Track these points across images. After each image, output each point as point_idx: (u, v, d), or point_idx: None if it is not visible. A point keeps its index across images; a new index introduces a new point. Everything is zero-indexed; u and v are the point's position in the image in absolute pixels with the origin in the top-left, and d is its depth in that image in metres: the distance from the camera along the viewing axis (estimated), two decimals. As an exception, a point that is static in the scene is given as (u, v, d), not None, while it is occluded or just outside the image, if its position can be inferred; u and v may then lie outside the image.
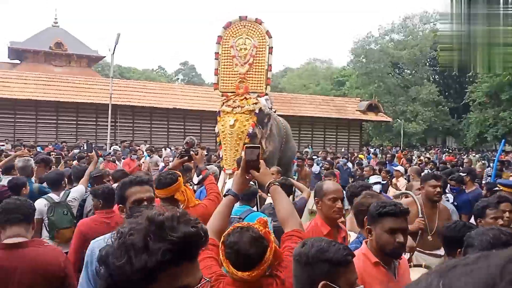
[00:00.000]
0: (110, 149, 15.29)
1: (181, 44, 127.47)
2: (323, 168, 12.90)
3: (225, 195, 2.45)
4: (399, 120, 39.16)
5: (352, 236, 3.53)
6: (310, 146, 25.09)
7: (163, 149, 16.64)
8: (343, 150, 25.16)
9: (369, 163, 14.69)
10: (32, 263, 2.60)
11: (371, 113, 28.27)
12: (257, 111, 8.47)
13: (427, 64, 45.60)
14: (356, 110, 27.99)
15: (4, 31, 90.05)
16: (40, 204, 4.66)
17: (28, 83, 21.94)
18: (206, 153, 15.07)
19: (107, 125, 18.23)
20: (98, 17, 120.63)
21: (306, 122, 26.86)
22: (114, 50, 16.79)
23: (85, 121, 22.82)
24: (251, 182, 7.81)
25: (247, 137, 8.31)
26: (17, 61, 40.09)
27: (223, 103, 8.75)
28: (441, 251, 3.66)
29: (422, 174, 6.99)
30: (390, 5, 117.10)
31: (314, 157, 15.53)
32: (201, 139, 24.21)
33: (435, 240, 4.03)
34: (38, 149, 14.99)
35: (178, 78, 74.41)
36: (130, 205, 2.49)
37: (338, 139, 28.38)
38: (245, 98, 8.60)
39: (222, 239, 1.97)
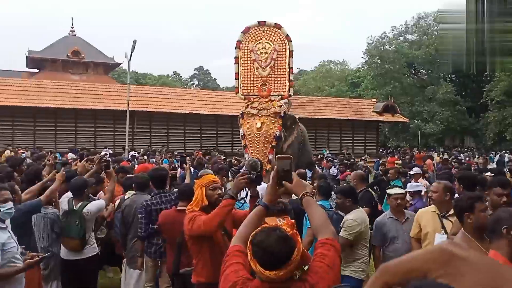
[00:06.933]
0: (128, 155, 15.49)
1: (195, 49, 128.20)
2: (339, 170, 12.86)
3: (255, 206, 2.48)
4: (415, 121, 38.82)
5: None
6: (325, 149, 25.00)
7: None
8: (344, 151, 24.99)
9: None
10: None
11: (388, 114, 28.07)
12: (282, 114, 8.54)
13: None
14: (372, 111, 27.83)
15: (22, 40, 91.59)
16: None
17: (46, 91, 22.29)
18: (224, 157, 15.15)
19: (125, 131, 18.43)
20: (112, 24, 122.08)
21: (321, 124, 26.78)
22: (130, 57, 16.99)
23: (103, 127, 23.10)
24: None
25: (274, 140, 8.36)
26: (36, 70, 40.76)
27: (248, 105, 8.80)
28: None
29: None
30: (402, 5, 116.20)
31: (330, 158, 15.50)
32: (217, 144, 24.33)
33: None
34: (57, 155, 15.19)
35: (193, 83, 74.87)
36: None
37: (354, 141, 28.23)
38: (270, 100, 8.67)
39: (250, 239, 2.00)
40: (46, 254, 4.03)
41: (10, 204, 3.62)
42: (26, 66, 41.75)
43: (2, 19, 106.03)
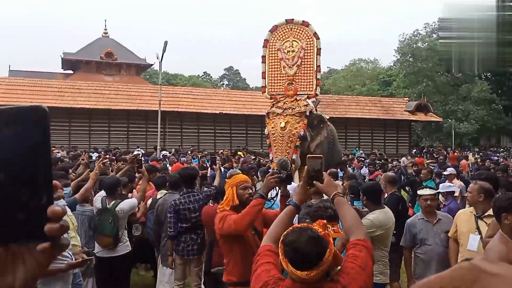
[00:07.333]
0: (159, 154, 15.71)
1: (225, 49, 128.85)
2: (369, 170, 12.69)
3: (286, 205, 2.48)
4: (449, 120, 37.92)
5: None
6: (356, 149, 24.73)
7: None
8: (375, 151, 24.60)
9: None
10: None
11: (420, 113, 27.54)
12: (307, 113, 8.46)
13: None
14: (405, 111, 27.35)
15: (57, 43, 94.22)
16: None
17: (81, 92, 22.86)
18: (254, 157, 15.19)
19: (156, 131, 18.69)
20: (144, 25, 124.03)
21: (352, 124, 26.51)
22: (162, 57, 17.21)
23: (136, 127, 23.51)
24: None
25: (298, 139, 8.30)
26: (70, 71, 41.71)
27: (273, 104, 8.75)
28: None
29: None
30: (402, 5, 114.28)
31: (361, 158, 15.33)
32: (247, 143, 24.41)
33: None
34: (91, 155, 15.55)
35: (223, 84, 75.26)
36: None
37: (386, 141, 27.82)
38: (296, 99, 8.59)
39: (281, 238, 1.99)
40: (89, 257, 4.10)
41: (62, 202, 3.74)
42: (61, 68, 42.81)
43: (40, 22, 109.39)
